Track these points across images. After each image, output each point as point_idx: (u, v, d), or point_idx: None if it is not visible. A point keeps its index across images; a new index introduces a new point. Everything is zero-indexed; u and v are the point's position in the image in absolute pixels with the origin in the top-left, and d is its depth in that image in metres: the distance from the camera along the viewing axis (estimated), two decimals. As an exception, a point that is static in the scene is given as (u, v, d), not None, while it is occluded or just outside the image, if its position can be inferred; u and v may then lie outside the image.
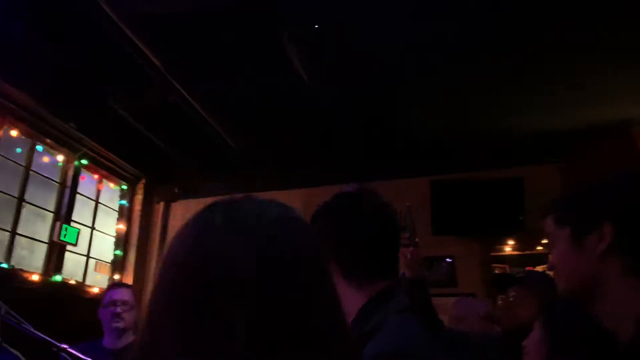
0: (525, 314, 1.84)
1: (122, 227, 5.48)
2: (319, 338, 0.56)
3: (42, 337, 1.45)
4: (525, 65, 3.45)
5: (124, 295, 2.77)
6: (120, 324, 2.69)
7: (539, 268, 4.18)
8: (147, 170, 5.61)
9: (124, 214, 5.55)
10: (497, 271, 4.86)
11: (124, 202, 5.57)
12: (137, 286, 5.25)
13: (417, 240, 1.92)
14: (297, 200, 4.56)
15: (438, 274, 4.95)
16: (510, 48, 3.26)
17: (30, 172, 4.29)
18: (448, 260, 4.98)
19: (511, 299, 2.06)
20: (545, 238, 1.19)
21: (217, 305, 0.53)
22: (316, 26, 2.92)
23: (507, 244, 5.01)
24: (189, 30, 3.12)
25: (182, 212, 5.72)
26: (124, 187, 5.58)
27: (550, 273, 1.18)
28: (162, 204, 5.76)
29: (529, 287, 1.99)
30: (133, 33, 3.12)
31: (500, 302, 2.27)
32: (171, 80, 3.60)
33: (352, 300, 1.02)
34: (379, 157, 4.97)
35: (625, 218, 1.00)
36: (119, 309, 2.70)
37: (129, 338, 2.71)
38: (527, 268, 4.61)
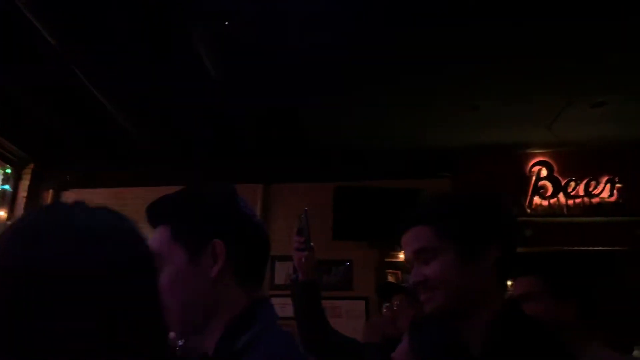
0: (406, 323, 1.91)
1: (3, 214, 5.03)
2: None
3: None
4: (427, 86, 3.65)
5: None
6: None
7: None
8: (37, 155, 5.19)
9: (6, 199, 5.10)
10: (389, 277, 5.07)
11: (6, 187, 5.11)
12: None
13: (312, 244, 1.94)
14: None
15: (336, 278, 5.07)
16: (415, 69, 3.44)
17: None
18: (346, 264, 5.11)
19: (395, 308, 2.15)
20: (416, 249, 1.13)
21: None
22: (226, 22, 2.87)
23: (400, 251, 5.24)
24: (89, 12, 2.93)
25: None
26: (8, 170, 5.12)
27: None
28: (51, 191, 5.35)
29: (412, 297, 2.07)
30: (28, 10, 2.87)
31: (385, 310, 2.35)
32: (68, 61, 3.37)
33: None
34: (284, 160, 4.99)
35: (507, 241, 1.09)
36: None
37: None
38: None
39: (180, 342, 1.46)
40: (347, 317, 4.87)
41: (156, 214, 0.97)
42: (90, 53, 3.35)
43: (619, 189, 4.63)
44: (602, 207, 4.61)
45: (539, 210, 4.66)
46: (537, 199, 4.69)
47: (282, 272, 4.99)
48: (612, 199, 4.62)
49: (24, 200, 5.17)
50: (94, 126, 4.43)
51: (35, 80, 3.84)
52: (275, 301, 4.40)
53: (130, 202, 5.45)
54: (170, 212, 0.96)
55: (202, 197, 0.98)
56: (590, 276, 1.75)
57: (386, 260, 5.15)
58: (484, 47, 3.17)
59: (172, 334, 1.48)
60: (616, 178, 4.63)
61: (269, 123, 4.36)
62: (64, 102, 4.08)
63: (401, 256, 5.30)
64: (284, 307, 5.32)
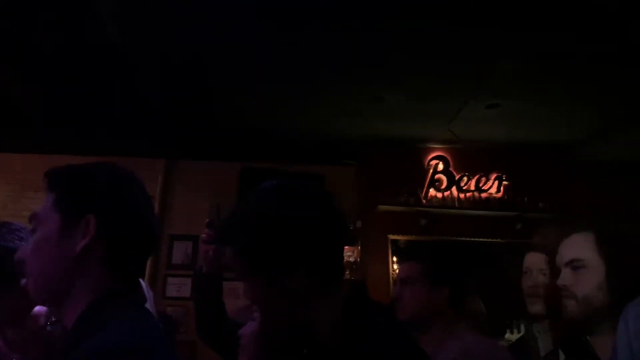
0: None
1: None
2: None
3: None
4: (334, 76, 3.70)
5: None
6: None
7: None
8: None
9: None
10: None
11: None
12: None
13: None
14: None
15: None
16: (323, 61, 3.48)
17: None
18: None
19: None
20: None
21: None
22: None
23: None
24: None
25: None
26: None
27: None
28: None
29: None
30: None
31: None
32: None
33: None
34: (190, 136, 4.85)
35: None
36: None
37: None
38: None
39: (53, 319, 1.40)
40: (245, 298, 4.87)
41: (49, 180, 0.98)
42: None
43: (505, 186, 5.01)
44: (490, 201, 4.97)
45: (434, 202, 4.92)
46: (432, 191, 4.95)
47: (180, 252, 4.89)
48: (499, 195, 4.99)
49: None
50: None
51: None
52: (171, 281, 4.33)
53: (18, 169, 5.05)
54: (58, 180, 0.97)
55: (91, 173, 0.97)
56: (464, 266, 1.88)
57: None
58: (390, 45, 3.27)
59: (41, 309, 1.41)
60: (504, 176, 5.01)
61: (175, 97, 4.19)
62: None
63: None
64: (180, 287, 5.23)
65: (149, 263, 4.69)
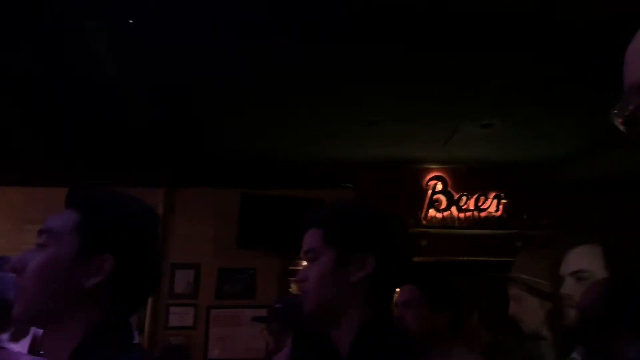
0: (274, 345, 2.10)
1: None
2: None
3: None
4: (326, 101, 3.77)
5: None
6: None
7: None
8: None
9: None
10: (292, 285, 5.13)
11: None
12: None
13: None
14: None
15: (238, 286, 5.03)
16: (314, 86, 3.55)
17: None
18: (250, 272, 5.10)
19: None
20: (305, 249, 1.20)
21: None
22: (130, 21, 2.78)
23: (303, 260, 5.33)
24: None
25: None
26: None
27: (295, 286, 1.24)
28: None
29: (270, 325, 2.34)
30: None
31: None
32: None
33: None
34: (189, 165, 4.90)
35: (383, 254, 1.13)
36: None
37: None
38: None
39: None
40: (249, 326, 4.85)
41: (73, 199, 1.00)
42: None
43: (504, 204, 5.04)
44: (489, 220, 4.99)
45: (434, 222, 4.94)
46: (432, 212, 4.98)
47: (182, 281, 4.88)
48: (498, 213, 5.02)
49: None
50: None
51: None
52: (174, 310, 4.33)
53: (19, 204, 5.08)
54: (84, 201, 0.98)
55: (118, 205, 0.99)
56: (462, 290, 1.92)
57: (290, 268, 5.20)
58: (379, 69, 3.33)
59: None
60: (502, 194, 5.04)
61: (168, 127, 4.25)
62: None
63: (304, 263, 5.39)
64: (182, 317, 5.20)
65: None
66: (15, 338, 2.01)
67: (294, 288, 5.15)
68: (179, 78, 3.50)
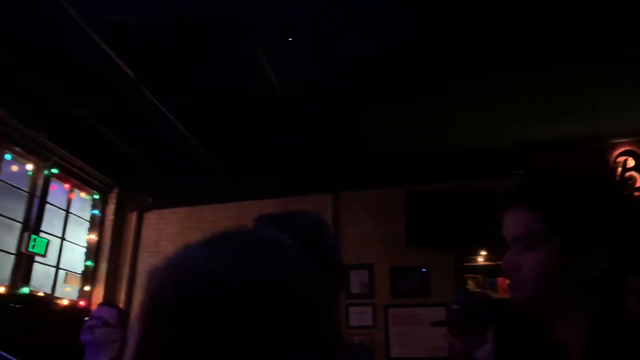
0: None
1: (94, 237, 5.39)
2: None
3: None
4: (496, 82, 3.53)
5: (101, 312, 2.75)
6: (87, 337, 2.64)
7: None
8: (120, 180, 5.53)
9: (96, 224, 5.46)
10: (469, 282, 4.92)
11: (95, 211, 5.48)
12: (108, 296, 5.16)
13: None
14: (272, 210, 4.54)
15: (412, 284, 4.98)
16: (483, 67, 3.35)
17: (-2, 181, 4.19)
18: (422, 270, 5.02)
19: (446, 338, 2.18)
20: (518, 234, 1.02)
21: None
22: (290, 39, 2.93)
23: (479, 255, 5.08)
24: (160, 40, 3.10)
25: (155, 221, 5.65)
26: (96, 196, 5.49)
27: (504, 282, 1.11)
28: (134, 213, 5.68)
29: (453, 329, 2.13)
30: (104, 43, 3.09)
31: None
32: (142, 88, 3.58)
33: None
34: (352, 167, 5.01)
35: (622, 243, 0.97)
36: (90, 323, 2.67)
37: (106, 357, 2.66)
38: (499, 279, 4.70)
39: None
40: (427, 324, 4.76)
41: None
42: (164, 81, 3.54)
43: None
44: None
45: (628, 204, 4.34)
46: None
47: (357, 281, 4.98)
48: None
49: (111, 223, 5.51)
50: (169, 150, 4.66)
51: (114, 111, 4.12)
52: (353, 310, 4.41)
53: (208, 218, 5.68)
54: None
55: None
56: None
57: (465, 264, 5.00)
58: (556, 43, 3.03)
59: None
60: None
61: (332, 132, 4.40)
62: (141, 129, 4.33)
63: (480, 260, 5.13)
64: (362, 316, 5.29)
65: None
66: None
67: (471, 285, 4.94)
68: (338, 87, 3.60)
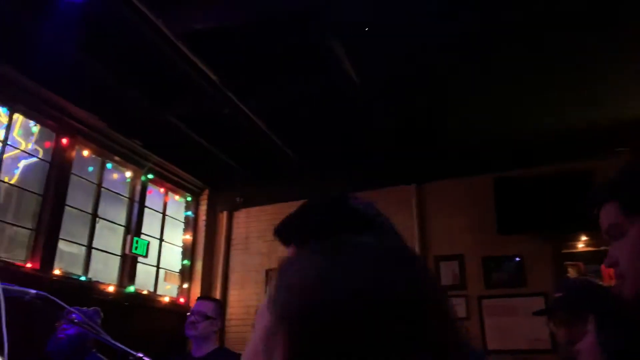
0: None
1: (189, 237, 5.68)
2: None
3: (121, 348, 1.52)
4: (587, 57, 3.28)
5: (200, 306, 2.90)
6: (192, 332, 2.80)
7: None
8: (210, 182, 5.78)
9: (190, 224, 5.75)
10: (570, 270, 4.63)
11: (189, 213, 5.77)
12: (204, 292, 5.41)
13: None
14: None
15: (506, 274, 4.78)
16: (569, 43, 3.13)
17: (102, 188, 4.53)
18: (516, 259, 4.80)
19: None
20: (606, 228, 0.98)
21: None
22: (366, 29, 2.90)
23: (579, 240, 4.77)
24: (240, 43, 3.19)
25: (244, 219, 5.85)
26: (189, 198, 5.78)
27: (609, 271, 1.02)
28: (225, 213, 5.91)
29: (555, 317, 1.98)
30: (189, 50, 3.23)
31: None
32: (227, 92, 3.70)
33: None
34: (435, 157, 4.89)
35: None
36: (192, 318, 2.82)
37: (211, 346, 2.82)
38: (602, 266, 4.37)
39: None
40: (525, 315, 4.53)
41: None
42: (248, 85, 3.65)
43: None
44: None
45: None
46: None
47: (447, 272, 4.86)
48: None
49: (204, 223, 5.78)
50: (255, 150, 4.80)
51: (201, 115, 4.30)
52: (446, 302, 4.18)
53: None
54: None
55: None
56: None
57: (563, 251, 4.71)
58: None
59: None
60: None
61: (413, 123, 4.31)
62: (228, 133, 4.49)
63: (580, 246, 4.82)
64: (454, 307, 5.16)
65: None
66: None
67: (571, 272, 4.64)
68: (418, 77, 3.52)
